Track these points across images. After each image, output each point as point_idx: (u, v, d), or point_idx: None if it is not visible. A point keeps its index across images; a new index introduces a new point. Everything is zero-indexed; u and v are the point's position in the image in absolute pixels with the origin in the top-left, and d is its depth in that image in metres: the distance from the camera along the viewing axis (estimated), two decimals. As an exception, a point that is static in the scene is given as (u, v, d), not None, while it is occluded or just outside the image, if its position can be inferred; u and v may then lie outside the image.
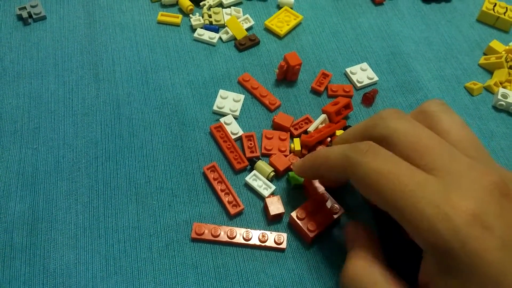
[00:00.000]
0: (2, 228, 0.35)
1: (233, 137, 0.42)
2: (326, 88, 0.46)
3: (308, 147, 0.41)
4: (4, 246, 0.34)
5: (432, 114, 0.30)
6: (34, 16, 0.50)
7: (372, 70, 0.48)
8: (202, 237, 0.35)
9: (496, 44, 0.50)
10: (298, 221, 0.35)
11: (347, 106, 0.43)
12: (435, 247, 0.24)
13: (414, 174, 0.26)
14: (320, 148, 0.39)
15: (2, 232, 0.35)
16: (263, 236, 0.35)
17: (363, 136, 0.30)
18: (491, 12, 0.53)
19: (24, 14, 0.49)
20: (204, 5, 0.52)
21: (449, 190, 0.24)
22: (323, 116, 0.42)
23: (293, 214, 0.35)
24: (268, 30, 0.51)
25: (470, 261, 0.23)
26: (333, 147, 0.32)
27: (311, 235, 0.34)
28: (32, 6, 0.50)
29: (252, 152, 0.41)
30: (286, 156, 0.41)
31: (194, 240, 0.36)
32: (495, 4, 0.54)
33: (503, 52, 0.49)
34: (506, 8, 0.53)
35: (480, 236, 0.23)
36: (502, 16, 0.53)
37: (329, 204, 0.36)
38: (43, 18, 0.50)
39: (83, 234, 0.35)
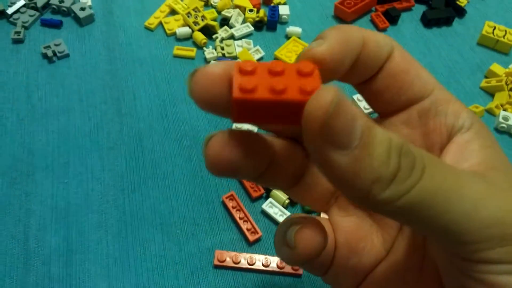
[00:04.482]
0: (40, 260, 0.38)
1: (249, 166, 0.44)
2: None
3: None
4: (43, 277, 0.37)
5: None
6: (58, 54, 0.53)
7: (378, 96, 0.50)
8: (224, 264, 0.38)
9: (496, 68, 0.52)
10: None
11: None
12: None
13: None
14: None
15: (40, 264, 0.38)
16: (281, 262, 0.38)
17: None
18: (491, 35, 0.56)
19: (49, 52, 0.53)
20: (217, 37, 0.55)
21: None
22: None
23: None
24: (278, 60, 0.54)
25: None
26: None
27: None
28: (56, 45, 0.54)
29: (267, 180, 0.43)
30: (299, 183, 0.43)
31: (216, 267, 0.38)
32: (495, 28, 0.56)
33: (503, 75, 0.51)
34: (505, 31, 0.56)
35: None
36: (502, 39, 0.55)
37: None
38: (67, 55, 0.53)
39: (114, 264, 0.38)
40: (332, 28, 0.17)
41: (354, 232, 0.20)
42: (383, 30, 0.58)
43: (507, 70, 0.52)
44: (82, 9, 0.56)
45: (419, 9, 0.61)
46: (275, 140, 0.19)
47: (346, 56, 0.17)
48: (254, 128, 0.43)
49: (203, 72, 0.16)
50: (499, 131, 0.48)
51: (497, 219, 0.15)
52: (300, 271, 0.38)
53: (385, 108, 0.20)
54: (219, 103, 0.16)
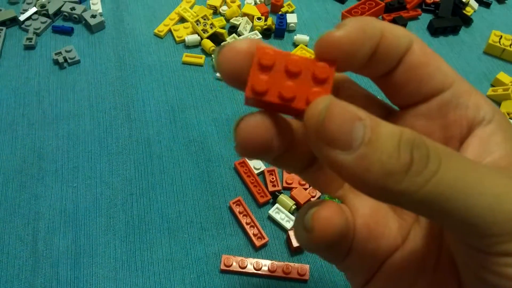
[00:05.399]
0: (49, 263, 0.39)
1: (256, 172, 0.45)
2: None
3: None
4: (51, 279, 0.38)
5: None
6: (69, 61, 0.54)
7: (385, 104, 0.51)
8: (231, 269, 0.38)
9: (503, 76, 0.52)
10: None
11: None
12: None
13: None
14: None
15: (48, 267, 0.38)
16: (287, 268, 0.38)
17: None
18: (498, 44, 0.56)
19: (60, 59, 0.54)
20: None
21: None
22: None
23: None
24: (285, 68, 0.54)
25: None
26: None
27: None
28: (67, 51, 0.55)
29: (274, 186, 0.44)
30: (306, 189, 0.43)
31: (223, 271, 0.39)
32: (501, 37, 0.56)
33: (510, 84, 0.51)
34: (512, 40, 0.56)
35: None
36: (508, 48, 0.55)
37: None
38: (77, 62, 0.54)
39: (121, 267, 0.39)
40: (351, 18, 0.18)
41: (372, 215, 0.20)
42: (389, 38, 0.58)
43: (514, 78, 0.52)
44: (93, 16, 0.57)
45: (426, 18, 0.61)
46: (292, 122, 0.19)
47: (364, 43, 0.17)
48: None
49: (230, 47, 0.17)
50: (506, 139, 0.48)
51: None
52: (306, 277, 0.38)
53: (405, 101, 0.20)
54: (241, 77, 0.17)
